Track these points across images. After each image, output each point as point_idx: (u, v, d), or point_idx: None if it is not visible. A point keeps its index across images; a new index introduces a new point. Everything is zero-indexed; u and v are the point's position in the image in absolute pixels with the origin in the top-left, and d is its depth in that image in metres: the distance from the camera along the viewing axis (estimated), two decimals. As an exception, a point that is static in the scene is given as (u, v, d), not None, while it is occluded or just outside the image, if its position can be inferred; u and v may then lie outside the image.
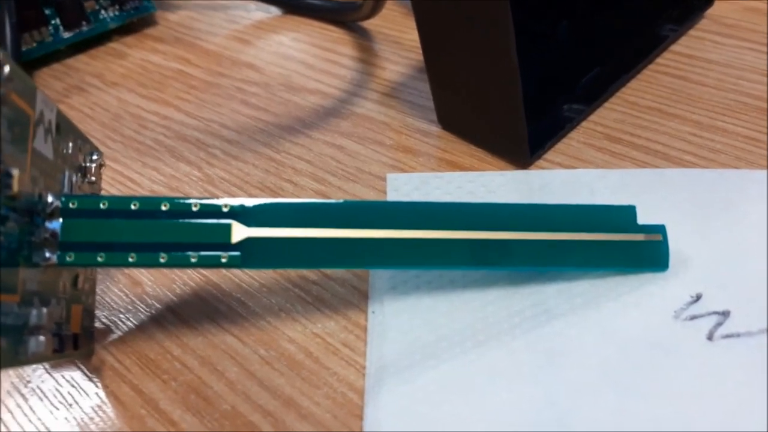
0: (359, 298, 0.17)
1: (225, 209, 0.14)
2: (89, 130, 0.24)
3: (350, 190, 0.20)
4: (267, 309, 0.17)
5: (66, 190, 0.15)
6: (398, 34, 0.27)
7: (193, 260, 0.14)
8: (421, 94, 0.24)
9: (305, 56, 0.27)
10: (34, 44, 0.28)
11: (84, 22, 0.29)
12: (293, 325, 0.16)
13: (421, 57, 0.20)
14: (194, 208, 0.14)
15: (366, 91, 0.24)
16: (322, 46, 0.28)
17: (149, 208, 0.14)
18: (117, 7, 0.29)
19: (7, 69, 0.12)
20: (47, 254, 0.13)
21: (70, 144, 0.15)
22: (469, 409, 0.14)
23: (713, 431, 0.13)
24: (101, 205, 0.14)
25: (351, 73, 0.25)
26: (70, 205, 0.14)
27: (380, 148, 0.21)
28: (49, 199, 0.14)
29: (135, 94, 0.26)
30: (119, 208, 0.14)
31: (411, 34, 0.27)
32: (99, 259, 0.14)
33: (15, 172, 0.12)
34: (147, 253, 0.14)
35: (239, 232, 0.14)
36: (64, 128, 0.15)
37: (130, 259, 0.14)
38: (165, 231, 0.14)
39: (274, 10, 0.31)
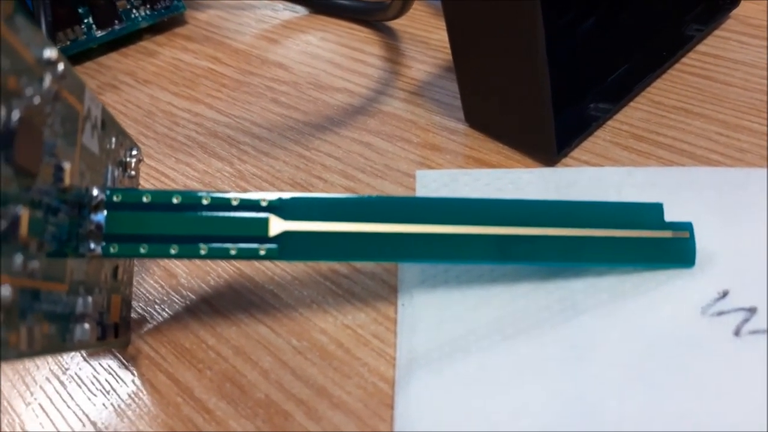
0: (388, 291, 0.17)
1: (263, 203, 0.15)
2: (123, 126, 0.24)
3: (379, 187, 0.20)
4: (299, 301, 0.17)
5: (109, 183, 0.15)
6: (425, 34, 0.28)
7: (232, 252, 0.14)
8: (447, 92, 0.24)
9: (333, 55, 0.27)
10: (68, 42, 0.28)
11: (116, 21, 0.29)
12: (324, 317, 0.17)
13: (447, 56, 0.21)
14: (234, 203, 0.15)
15: (393, 89, 0.25)
16: (350, 45, 0.28)
17: (190, 201, 0.14)
18: (148, 6, 0.30)
19: (61, 67, 0.12)
20: (92, 245, 0.14)
21: (113, 139, 0.16)
22: (497, 402, 0.14)
23: (740, 426, 0.13)
24: (144, 199, 0.14)
25: (378, 72, 0.26)
26: (114, 199, 0.14)
27: (407, 145, 0.22)
28: (95, 192, 0.14)
29: (167, 91, 0.26)
30: (161, 201, 0.14)
31: (438, 34, 0.27)
32: (142, 250, 0.14)
33: (67, 165, 0.12)
34: (188, 245, 0.14)
35: (276, 225, 0.15)
36: (108, 124, 0.15)
37: (172, 251, 0.14)
38: (206, 224, 0.14)
39: (302, 10, 0.31)
